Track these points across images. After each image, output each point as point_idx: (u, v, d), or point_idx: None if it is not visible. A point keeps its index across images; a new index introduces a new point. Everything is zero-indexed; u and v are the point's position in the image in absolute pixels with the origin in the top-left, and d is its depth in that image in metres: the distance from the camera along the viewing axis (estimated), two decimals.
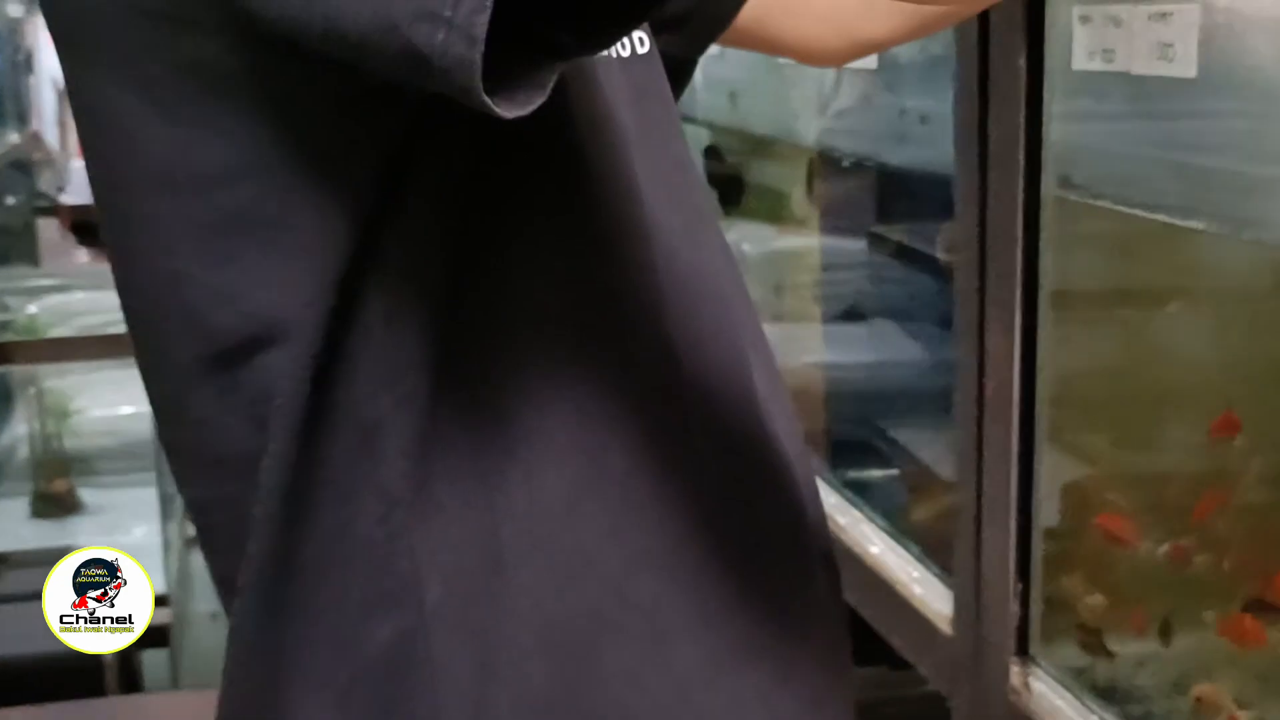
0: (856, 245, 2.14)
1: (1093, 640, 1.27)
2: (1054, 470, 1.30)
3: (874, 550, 1.75)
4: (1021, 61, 1.22)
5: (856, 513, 1.82)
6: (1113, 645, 1.26)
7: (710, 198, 0.95)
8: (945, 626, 1.51)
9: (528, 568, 0.79)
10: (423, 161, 0.75)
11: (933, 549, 1.64)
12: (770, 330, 0.95)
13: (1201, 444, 1.18)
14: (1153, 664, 1.22)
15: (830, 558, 0.95)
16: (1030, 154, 1.24)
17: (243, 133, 0.74)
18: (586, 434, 0.80)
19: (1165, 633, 1.19)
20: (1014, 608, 1.35)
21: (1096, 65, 1.12)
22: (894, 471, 1.88)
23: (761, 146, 2.21)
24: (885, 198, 2.01)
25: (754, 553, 0.87)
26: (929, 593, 1.58)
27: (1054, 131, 1.21)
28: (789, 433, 0.92)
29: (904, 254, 1.98)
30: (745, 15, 1.12)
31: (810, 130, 2.02)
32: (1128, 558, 1.23)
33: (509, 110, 0.62)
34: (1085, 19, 1.13)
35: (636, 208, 0.82)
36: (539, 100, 0.64)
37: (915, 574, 1.64)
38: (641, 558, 0.81)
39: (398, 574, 0.77)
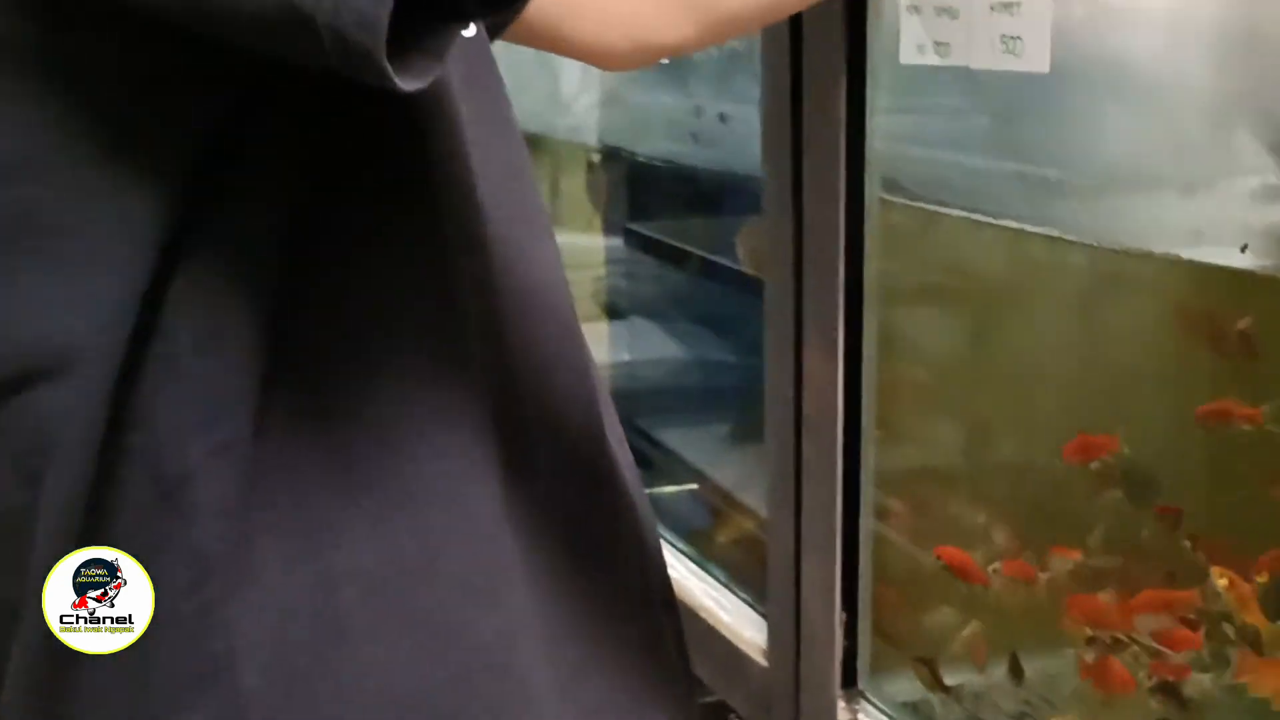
0: (615, 243, 2.07)
1: (928, 673, 1.20)
2: (882, 492, 1.22)
3: (671, 574, 1.64)
4: (841, 56, 1.13)
5: None
6: (953, 677, 1.19)
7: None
8: (758, 657, 1.42)
9: (378, 637, 0.67)
10: (249, 156, 0.62)
11: (740, 573, 1.55)
12: None
13: (1044, 462, 1.11)
14: (995, 696, 1.15)
15: (672, 603, 0.86)
16: (852, 157, 1.15)
17: (20, 118, 0.60)
18: (446, 480, 0.69)
19: (1015, 669, 1.11)
20: (839, 639, 1.26)
21: (929, 60, 1.04)
22: (692, 487, 1.79)
23: (531, 145, 2.10)
24: (646, 194, 1.94)
25: (609, 608, 0.78)
26: (739, 621, 1.49)
27: (879, 131, 1.12)
28: (628, 463, 0.82)
29: (657, 250, 1.90)
30: (534, 13, 1.01)
31: (583, 127, 1.92)
32: (967, 587, 1.15)
33: (408, 82, 0.52)
34: (914, 9, 1.05)
35: (476, 216, 0.70)
36: (436, 72, 0.54)
37: (722, 600, 1.54)
38: (516, 621, 0.71)
39: (209, 653, 0.64)
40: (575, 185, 2.05)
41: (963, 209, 1.05)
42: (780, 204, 1.25)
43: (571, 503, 0.76)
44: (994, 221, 1.02)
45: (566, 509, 0.76)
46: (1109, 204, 0.95)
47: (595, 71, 1.85)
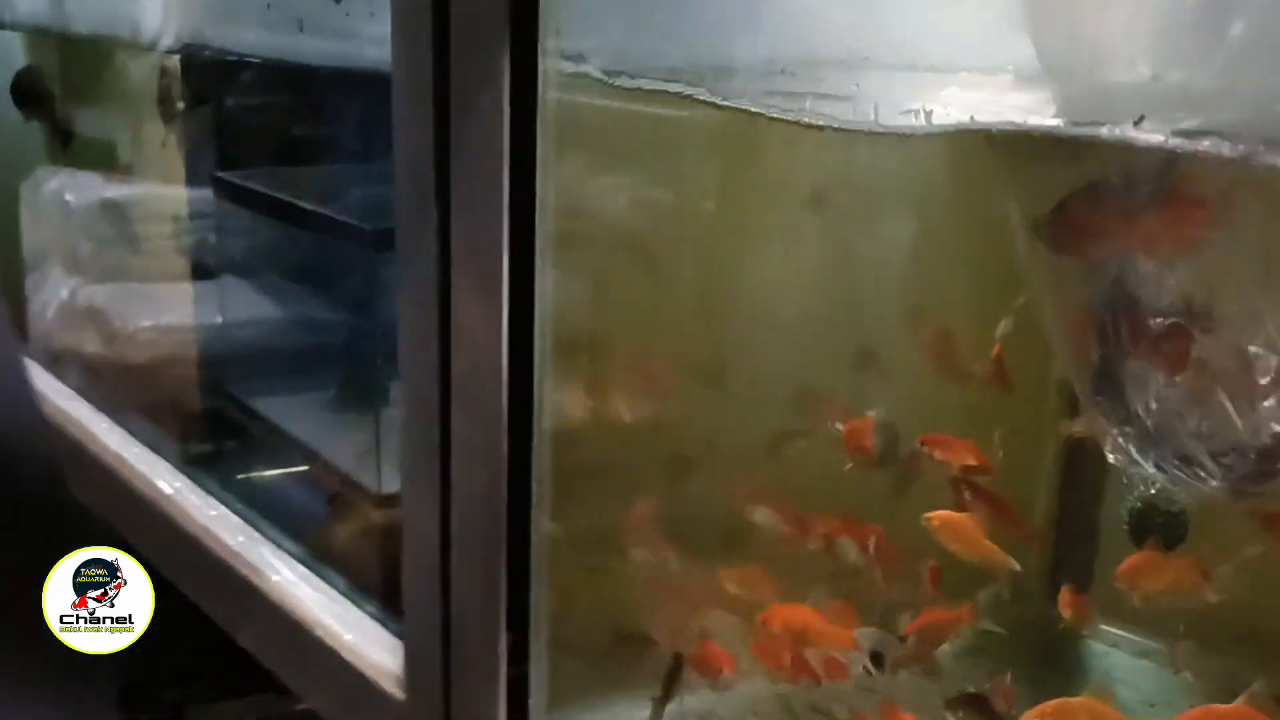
0: (205, 193, 1.78)
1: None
2: (561, 477, 0.95)
3: (277, 579, 1.34)
4: None
5: (254, 531, 1.39)
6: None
7: None
8: (391, 687, 1.14)
9: None
10: None
11: (364, 579, 1.26)
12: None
13: (778, 426, 0.87)
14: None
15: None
16: (520, 38, 0.87)
17: None
18: None
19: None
20: (504, 664, 0.99)
21: None
22: (301, 469, 1.49)
23: (95, 56, 1.73)
24: (237, 111, 1.63)
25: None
26: (364, 640, 1.20)
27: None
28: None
29: (250, 200, 1.63)
30: None
31: (153, 20, 1.54)
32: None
33: None
34: None
35: None
36: None
37: (343, 614, 1.25)
38: None
39: None
40: (148, 103, 1.69)
41: (688, 84, 0.78)
42: (415, 102, 0.96)
43: None
44: (720, 102, 0.76)
45: None
46: (884, 82, 0.71)
47: None
